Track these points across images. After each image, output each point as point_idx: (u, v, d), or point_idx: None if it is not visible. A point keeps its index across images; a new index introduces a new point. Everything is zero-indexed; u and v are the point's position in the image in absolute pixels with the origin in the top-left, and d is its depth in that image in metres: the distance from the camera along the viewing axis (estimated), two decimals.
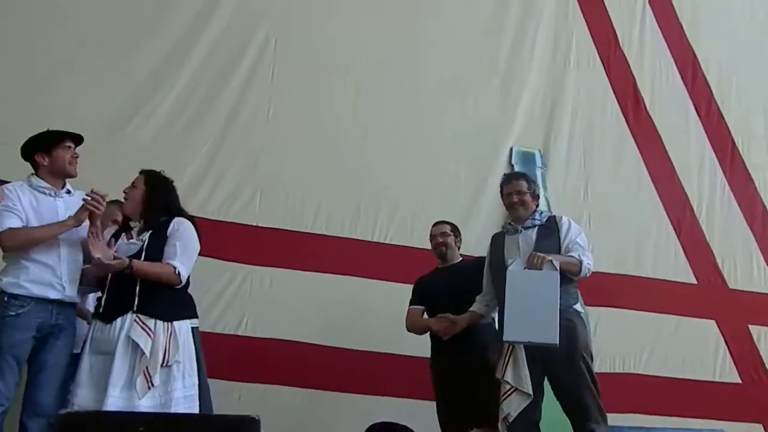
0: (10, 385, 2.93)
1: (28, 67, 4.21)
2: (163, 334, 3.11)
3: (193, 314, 3.27)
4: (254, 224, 4.43)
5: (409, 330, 4.00)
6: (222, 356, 4.13)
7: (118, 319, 3.08)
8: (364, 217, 4.62)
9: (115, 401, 2.98)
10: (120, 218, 3.43)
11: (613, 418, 4.47)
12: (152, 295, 3.11)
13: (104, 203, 3.08)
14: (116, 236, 3.29)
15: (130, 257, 3.11)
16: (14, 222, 3.00)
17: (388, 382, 4.32)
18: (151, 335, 3.08)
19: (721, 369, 5.02)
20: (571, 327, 3.37)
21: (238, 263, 4.35)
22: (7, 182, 3.20)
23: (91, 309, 3.36)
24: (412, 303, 4.04)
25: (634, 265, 5.01)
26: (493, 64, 5.16)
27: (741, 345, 5.08)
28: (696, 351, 4.95)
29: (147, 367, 3.04)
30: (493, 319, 3.80)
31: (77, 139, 3.23)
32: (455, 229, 4.12)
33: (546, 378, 3.46)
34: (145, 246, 3.17)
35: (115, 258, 3.08)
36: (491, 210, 4.82)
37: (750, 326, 5.15)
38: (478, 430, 3.59)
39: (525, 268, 3.41)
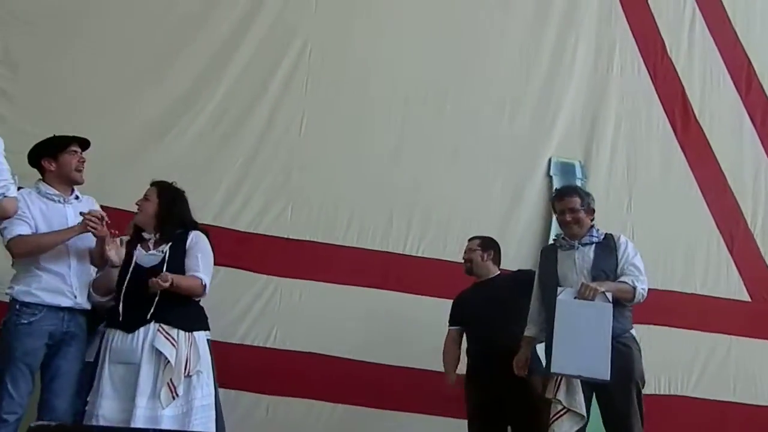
0: (23, 393, 2.96)
1: (66, 80, 4.32)
2: (185, 344, 3.17)
3: (207, 326, 3.31)
4: (285, 236, 4.42)
5: (443, 353, 3.94)
6: (251, 368, 4.16)
7: (141, 329, 3.12)
8: (396, 229, 4.55)
9: (142, 411, 3.03)
10: None
11: None
12: (171, 305, 3.15)
13: (103, 222, 3.08)
14: (130, 246, 3.31)
15: (152, 268, 3.15)
16: (23, 229, 3.03)
17: (417, 398, 4.22)
18: (176, 345, 3.14)
19: None
20: (627, 353, 3.31)
21: (268, 275, 4.34)
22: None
23: None
24: (450, 322, 3.99)
25: (681, 281, 4.76)
26: (532, 72, 5.03)
27: None
28: (750, 373, 4.65)
29: (171, 378, 3.08)
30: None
31: (84, 144, 3.25)
32: (485, 244, 4.03)
33: (594, 397, 3.36)
34: (166, 258, 3.21)
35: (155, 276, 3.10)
36: (529, 221, 4.71)
37: None
38: None
39: (575, 298, 3.30)
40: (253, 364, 4.12)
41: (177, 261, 3.20)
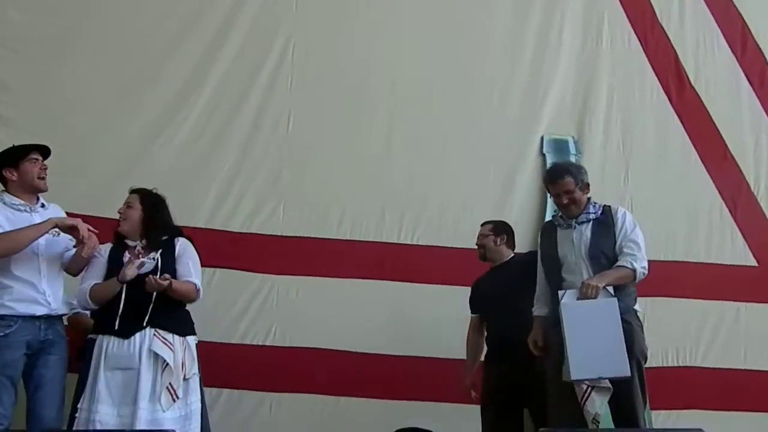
0: (7, 405, 2.97)
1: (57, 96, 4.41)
2: (181, 348, 3.23)
3: (194, 330, 3.36)
4: (278, 234, 4.43)
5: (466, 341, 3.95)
6: (251, 367, 4.19)
7: (137, 335, 3.16)
8: (390, 218, 4.52)
9: (144, 414, 3.07)
10: None
11: (668, 415, 4.21)
12: (165, 311, 3.20)
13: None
14: (114, 253, 3.33)
15: (146, 274, 3.19)
16: None
17: (421, 385, 4.21)
18: (172, 349, 3.18)
19: None
20: (627, 329, 3.24)
21: (264, 274, 4.36)
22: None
23: None
24: (470, 309, 3.98)
25: (684, 251, 4.65)
26: (520, 52, 4.95)
27: None
28: (760, 339, 4.53)
29: (170, 382, 3.13)
30: None
31: (44, 151, 3.23)
32: (497, 229, 4.01)
33: None
34: (158, 265, 3.24)
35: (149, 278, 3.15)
36: (523, 201, 4.66)
37: None
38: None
39: (578, 299, 3.25)
40: (254, 362, 4.15)
41: (169, 268, 3.24)
